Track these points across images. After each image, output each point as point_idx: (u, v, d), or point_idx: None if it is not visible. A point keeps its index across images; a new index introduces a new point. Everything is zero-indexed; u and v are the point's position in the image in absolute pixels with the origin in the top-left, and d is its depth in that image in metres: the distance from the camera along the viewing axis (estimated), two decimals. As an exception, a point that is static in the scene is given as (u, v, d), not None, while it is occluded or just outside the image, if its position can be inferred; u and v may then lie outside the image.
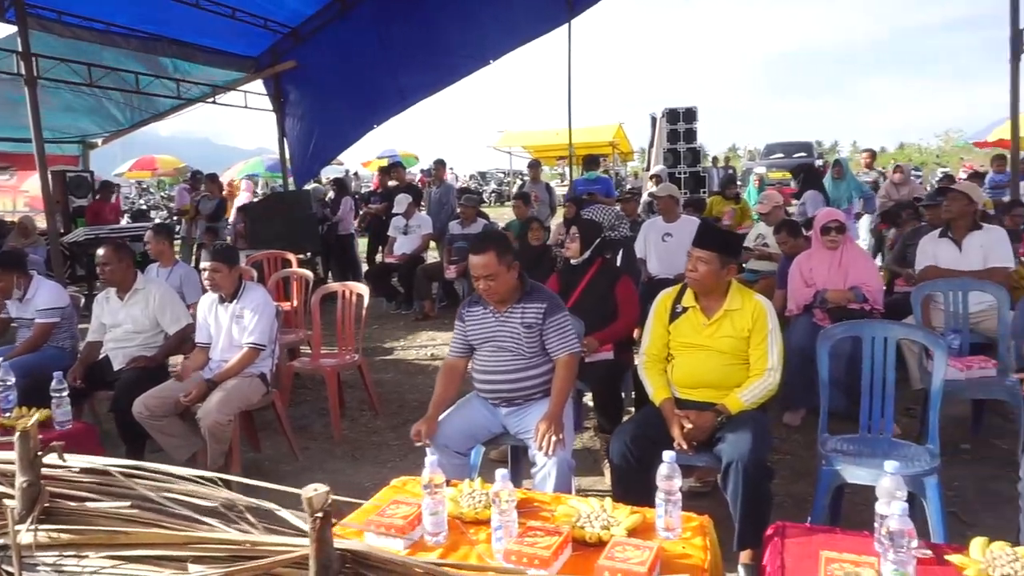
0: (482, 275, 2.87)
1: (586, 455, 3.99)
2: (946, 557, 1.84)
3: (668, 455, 2.04)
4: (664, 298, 3.03)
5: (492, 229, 7.24)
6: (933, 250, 4.56)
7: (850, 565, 1.76)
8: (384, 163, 19.77)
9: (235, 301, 3.83)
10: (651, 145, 17.12)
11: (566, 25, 7.77)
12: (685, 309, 2.93)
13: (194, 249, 9.44)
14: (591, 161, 8.67)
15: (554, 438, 2.63)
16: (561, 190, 15.21)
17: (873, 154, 11.61)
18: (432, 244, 8.56)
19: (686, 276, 2.92)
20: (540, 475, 2.69)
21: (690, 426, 2.66)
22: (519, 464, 3.29)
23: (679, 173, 12.43)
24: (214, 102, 9.14)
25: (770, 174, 19.36)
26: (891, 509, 1.72)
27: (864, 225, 8.06)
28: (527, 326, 2.91)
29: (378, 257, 8.88)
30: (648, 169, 15.79)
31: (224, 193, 10.12)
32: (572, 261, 4.08)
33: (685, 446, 2.66)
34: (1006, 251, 4.32)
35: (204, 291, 4.12)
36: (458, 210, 7.85)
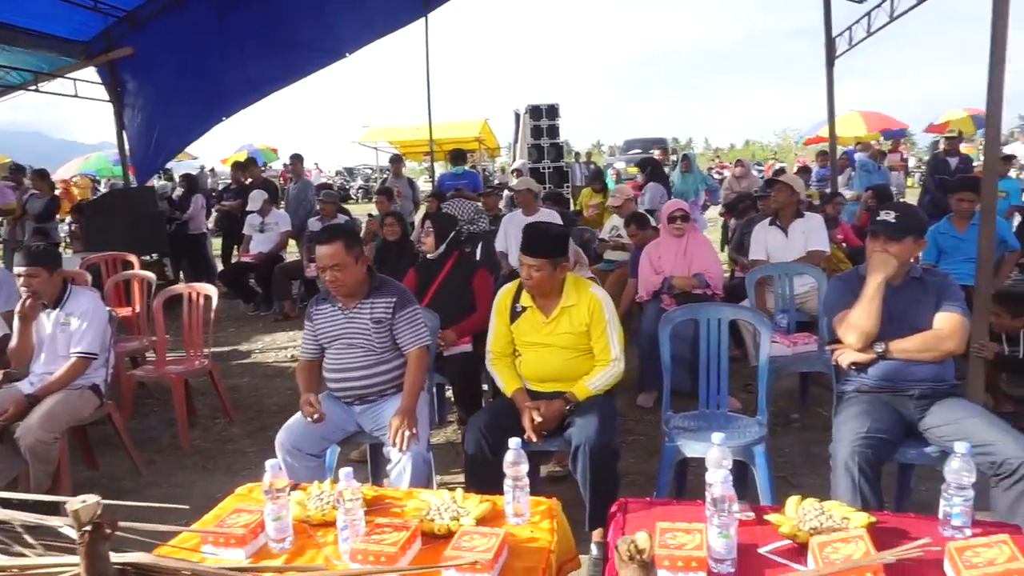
0: (329, 265, 2.80)
1: (449, 449, 4.00)
2: (765, 517, 1.99)
3: (514, 442, 2.07)
4: (503, 296, 3.06)
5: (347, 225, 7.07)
6: (764, 236, 4.97)
7: (681, 532, 1.86)
8: (243, 157, 18.85)
9: (59, 308, 3.49)
10: (516, 140, 17.42)
11: (423, 19, 7.74)
12: (524, 308, 2.98)
13: (20, 252, 8.52)
14: (457, 156, 8.67)
15: (407, 433, 2.61)
16: (429, 186, 15.14)
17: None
18: (292, 242, 8.25)
19: (524, 283, 2.95)
20: (396, 471, 2.66)
21: (539, 418, 2.73)
22: (378, 462, 3.24)
23: (543, 168, 12.72)
24: (37, 90, 8.28)
25: (628, 169, 20.32)
26: (714, 477, 1.85)
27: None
28: (377, 321, 2.86)
29: (234, 256, 8.44)
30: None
31: (57, 191, 9.22)
32: (429, 255, 4.06)
33: (534, 438, 2.72)
34: (822, 237, 4.79)
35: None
36: (317, 207, 7.61)
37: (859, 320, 2.69)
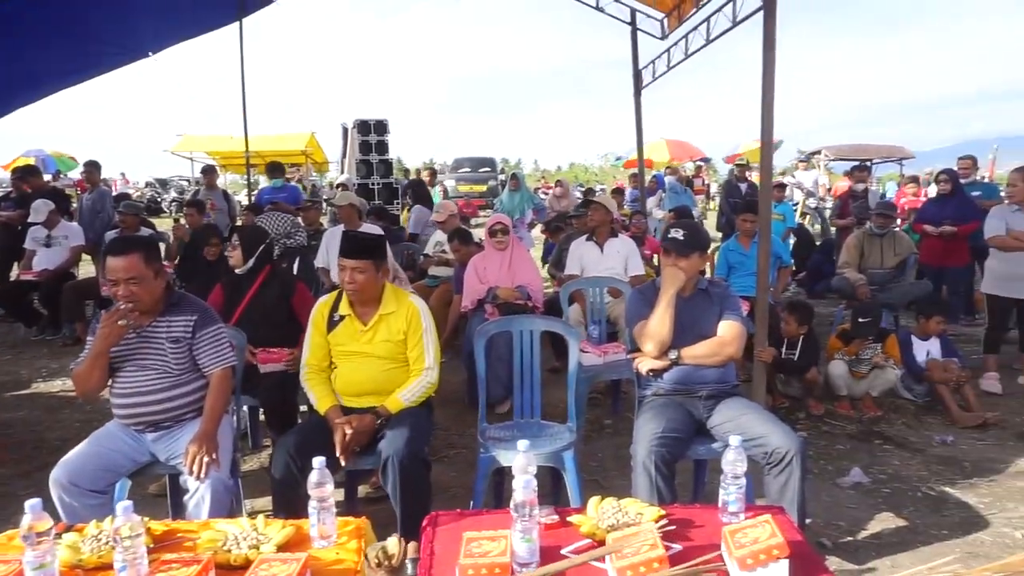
0: (123, 279, 2.55)
1: (263, 475, 3.77)
2: (568, 519, 2.08)
3: (318, 461, 2.00)
4: (321, 307, 3.00)
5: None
6: (580, 251, 5.25)
7: (487, 540, 1.89)
8: (31, 162, 16.73)
9: None
10: (343, 155, 17.05)
11: (238, 24, 7.36)
12: (342, 317, 2.93)
13: None
14: (274, 169, 8.30)
15: (205, 459, 2.43)
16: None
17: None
18: (87, 257, 7.44)
19: (345, 288, 2.91)
20: (193, 501, 2.46)
21: (350, 430, 2.66)
22: (179, 495, 2.98)
23: (372, 184, 12.53)
24: None
25: (459, 187, 20.64)
26: (517, 483, 1.90)
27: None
28: (174, 340, 2.65)
29: (13, 274, 7.45)
30: (343, 179, 15.71)
31: None
32: (237, 270, 3.84)
33: (343, 460, 2.66)
34: (638, 261, 5.17)
35: None
36: (116, 218, 6.93)
37: (655, 329, 2.90)
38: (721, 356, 2.90)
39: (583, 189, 11.57)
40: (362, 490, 3.47)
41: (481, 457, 2.92)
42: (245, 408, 4.06)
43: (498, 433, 3.07)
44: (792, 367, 4.61)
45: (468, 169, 22.36)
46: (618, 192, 10.24)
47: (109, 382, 2.68)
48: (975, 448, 4.09)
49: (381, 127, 13.70)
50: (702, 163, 15.88)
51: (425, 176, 9.59)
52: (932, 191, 6.98)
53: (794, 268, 8.64)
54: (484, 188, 20.66)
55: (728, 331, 2.92)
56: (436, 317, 5.62)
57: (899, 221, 8.96)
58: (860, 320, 4.60)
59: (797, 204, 12.05)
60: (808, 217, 11.51)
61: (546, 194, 19.82)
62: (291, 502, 2.49)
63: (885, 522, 3.23)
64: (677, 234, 3.01)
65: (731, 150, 19.56)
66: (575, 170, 44.46)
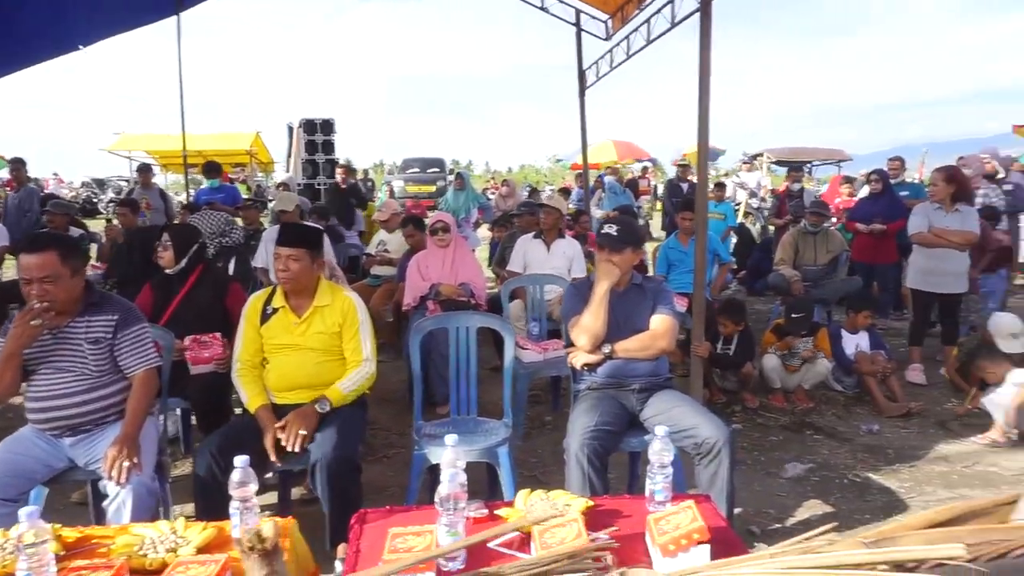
0: (37, 278, 2.45)
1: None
2: (496, 512, 2.08)
3: (240, 460, 1.95)
4: (254, 301, 2.96)
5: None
6: (526, 248, 5.27)
7: (412, 536, 1.88)
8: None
9: None
10: (289, 155, 16.76)
11: (175, 18, 7.18)
12: (276, 310, 2.90)
13: None
14: (211, 169, 8.10)
15: (126, 463, 2.35)
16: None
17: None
18: (14, 259, 7.12)
19: (278, 277, 2.89)
20: (113, 507, 2.38)
21: (304, 431, 2.62)
22: (101, 500, 2.88)
23: (319, 184, 12.35)
24: None
25: (408, 187, 20.52)
26: (442, 477, 1.89)
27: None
28: (93, 341, 2.56)
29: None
30: (290, 180, 15.45)
31: None
32: (168, 271, 3.73)
33: (273, 457, 2.62)
34: (582, 264, 5.23)
35: None
36: (44, 218, 6.66)
37: (589, 324, 2.93)
38: (653, 349, 2.95)
39: (529, 189, 11.64)
40: (297, 492, 3.41)
41: (415, 455, 2.90)
42: (178, 411, 3.95)
43: (433, 431, 3.05)
44: (728, 362, 4.72)
45: (417, 169, 22.23)
46: (564, 192, 10.34)
47: (23, 385, 2.57)
48: (899, 436, 4.25)
49: (327, 126, 13.49)
50: (649, 164, 16.15)
51: (339, 175, 9.29)
52: (865, 192, 7.24)
53: (735, 266, 8.86)
54: (433, 188, 20.56)
55: (660, 325, 2.97)
56: (378, 316, 5.64)
57: (834, 220, 9.27)
58: (793, 315, 4.74)
59: (740, 204, 12.34)
60: (750, 217, 11.80)
61: (495, 193, 19.88)
62: (214, 504, 2.42)
63: (812, 509, 3.33)
64: (611, 230, 3.05)
65: (676, 152, 20.08)
66: (525, 171, 44.71)
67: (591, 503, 2.11)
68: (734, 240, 9.21)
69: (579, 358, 2.99)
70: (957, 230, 4.87)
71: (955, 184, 4.95)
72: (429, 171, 22.04)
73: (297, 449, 2.62)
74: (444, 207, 8.18)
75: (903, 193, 7.14)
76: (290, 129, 16.35)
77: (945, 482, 3.60)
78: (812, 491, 3.53)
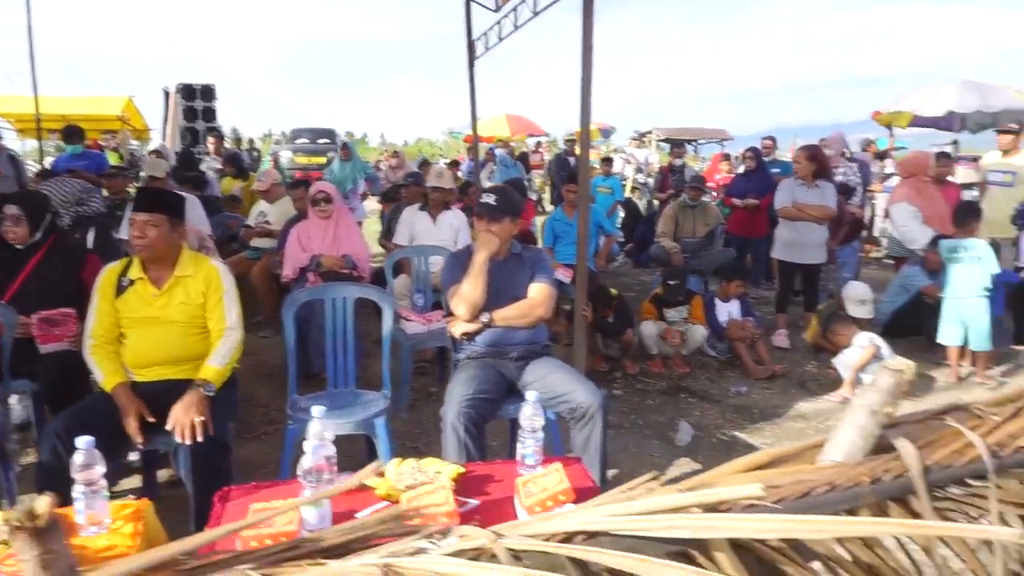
0: None
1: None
2: (364, 482, 2.05)
3: (83, 441, 1.82)
4: (108, 272, 2.75)
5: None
6: (411, 220, 5.19)
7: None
8: None
9: None
10: (165, 121, 15.72)
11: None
12: (132, 282, 2.71)
13: None
14: (71, 133, 7.43)
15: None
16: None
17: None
18: None
19: (134, 244, 2.69)
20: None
21: (147, 416, 2.48)
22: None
23: (200, 153, 11.68)
24: None
25: (296, 158, 19.73)
26: (306, 448, 1.84)
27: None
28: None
29: None
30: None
31: None
32: (17, 245, 3.40)
33: (140, 439, 2.46)
34: (467, 236, 5.19)
35: None
36: None
37: (468, 293, 2.93)
38: (531, 317, 2.98)
39: (420, 161, 11.52)
40: (165, 473, 3.24)
41: (288, 429, 2.82)
42: (28, 393, 3.64)
43: (308, 404, 2.97)
44: (608, 330, 4.86)
45: (306, 140, 21.36)
46: (455, 164, 10.27)
47: None
48: (764, 396, 4.55)
49: (208, 92, 12.75)
50: (542, 139, 16.33)
51: (211, 144, 8.75)
52: (742, 169, 7.63)
53: (622, 238, 9.13)
54: (323, 160, 19.74)
55: (538, 293, 3.00)
56: (259, 291, 5.41)
57: (714, 194, 9.71)
58: (669, 283, 4.94)
59: (628, 179, 12.70)
60: (637, 192, 12.18)
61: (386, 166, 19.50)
62: (58, 489, 2.24)
63: (682, 467, 3.51)
64: (489, 199, 3.05)
65: (568, 128, 20.49)
66: (420, 144, 44.09)
67: (462, 469, 2.11)
68: (622, 214, 9.48)
69: (458, 327, 2.98)
70: (817, 204, 5.21)
71: (816, 162, 5.29)
72: (319, 142, 21.19)
73: (200, 437, 2.45)
74: (329, 178, 7.93)
75: (775, 171, 7.56)
76: (166, 94, 15.29)
77: (802, 437, 3.88)
78: (684, 450, 3.71)
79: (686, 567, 0.66)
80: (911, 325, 5.28)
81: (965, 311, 4.64)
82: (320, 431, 2.00)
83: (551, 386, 2.83)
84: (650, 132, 18.17)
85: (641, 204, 10.68)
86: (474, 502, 2.00)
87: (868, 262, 8.55)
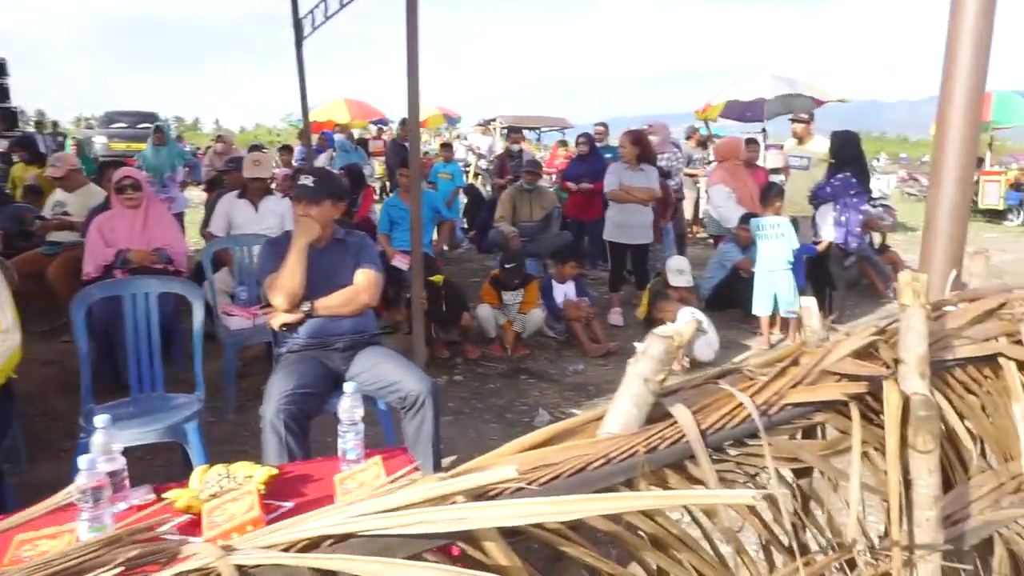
0: None
1: None
2: (164, 495, 1.85)
3: None
4: None
5: None
6: (229, 209, 4.84)
7: (45, 540, 1.59)
8: None
9: None
10: (-55, 100, 13.72)
11: None
12: None
13: None
14: None
15: None
16: None
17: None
18: None
19: None
20: None
21: None
22: None
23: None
24: None
25: (112, 144, 17.93)
26: (80, 464, 1.62)
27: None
28: None
29: None
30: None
31: None
32: None
33: None
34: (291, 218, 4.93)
35: None
36: None
37: (285, 282, 2.74)
38: (355, 304, 2.85)
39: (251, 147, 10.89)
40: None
41: (80, 443, 2.51)
42: None
43: (107, 413, 2.65)
44: (442, 318, 4.81)
45: (124, 125, 19.49)
46: (287, 150, 9.78)
47: None
48: (599, 373, 4.70)
49: (-1, 67, 11.27)
50: (383, 125, 15.97)
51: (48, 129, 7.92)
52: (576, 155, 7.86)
53: (466, 225, 9.12)
54: (144, 146, 18.21)
55: (363, 279, 2.88)
56: (59, 291, 4.82)
57: (553, 179, 9.95)
58: (506, 267, 4.97)
59: (470, 166, 12.73)
60: (480, 178, 12.24)
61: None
62: None
63: (520, 448, 3.53)
64: (307, 181, 2.88)
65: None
66: (259, 131, 41.73)
67: (275, 471, 1.97)
68: (464, 200, 9.47)
69: (277, 319, 2.80)
70: (642, 187, 5.46)
71: (640, 146, 5.53)
72: (140, 127, 19.40)
73: None
74: (142, 164, 7.23)
75: (608, 156, 7.85)
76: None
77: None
78: (522, 431, 3.71)
79: (437, 566, 0.60)
80: (730, 298, 5.70)
81: (773, 283, 5.06)
82: (105, 443, 1.79)
83: (379, 376, 2.74)
84: (494, 120, 18.46)
85: (484, 191, 10.74)
86: (288, 505, 1.87)
87: (695, 242, 9.16)
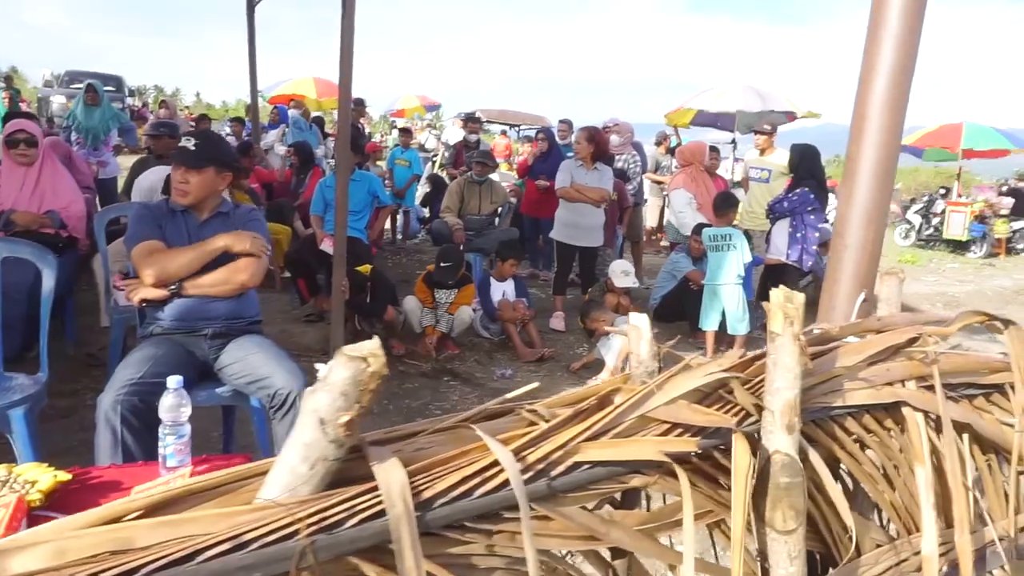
0: None
1: None
2: (-88, 501, 1.51)
3: None
4: None
5: None
6: (151, 180, 4.48)
7: None
8: None
9: None
10: None
11: None
12: None
13: None
14: None
15: None
16: None
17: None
18: None
19: None
20: None
21: None
22: None
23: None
24: None
25: (70, 104, 17.21)
26: None
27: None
28: None
29: None
30: None
31: None
32: None
33: None
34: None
35: None
36: None
37: (170, 266, 2.46)
38: (231, 285, 2.52)
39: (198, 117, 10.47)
40: None
41: None
42: None
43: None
44: (366, 308, 4.49)
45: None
46: (238, 122, 9.38)
47: None
48: (528, 379, 4.33)
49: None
50: (355, 105, 15.59)
51: None
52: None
53: (427, 215, 8.78)
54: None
55: (243, 257, 2.55)
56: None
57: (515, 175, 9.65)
58: (442, 265, 4.66)
59: (437, 156, 12.41)
60: (446, 169, 11.92)
61: (191, 125, 17.67)
62: None
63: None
64: (188, 144, 2.55)
65: (394, 98, 19.85)
66: (240, 105, 40.82)
67: (67, 477, 1.64)
68: (427, 189, 9.14)
69: (138, 292, 2.46)
70: (594, 187, 5.19)
71: (595, 144, 5.26)
72: (106, 88, 18.78)
73: None
74: (71, 124, 6.78)
75: (569, 154, 7.58)
76: None
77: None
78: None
79: None
80: (678, 311, 5.45)
81: (722, 297, 4.82)
82: None
83: (250, 369, 2.42)
84: (474, 112, 18.28)
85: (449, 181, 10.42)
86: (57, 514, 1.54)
87: (659, 250, 8.94)
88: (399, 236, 8.57)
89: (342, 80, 3.99)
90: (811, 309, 3.95)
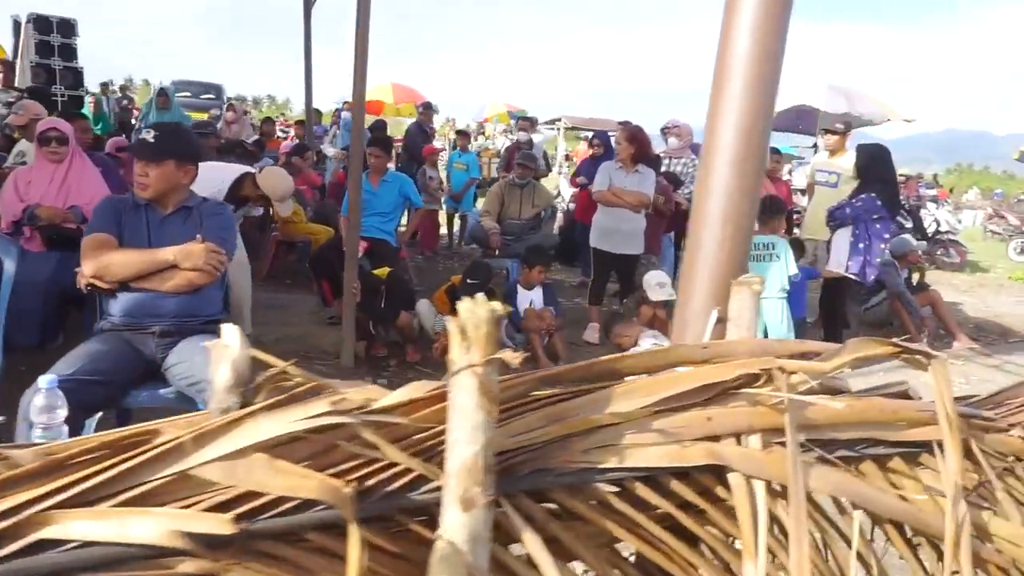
0: None
1: None
2: None
3: None
4: None
5: None
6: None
7: None
8: None
9: None
10: (16, 56, 14.23)
11: None
12: None
13: None
14: None
15: None
16: None
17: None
18: None
19: None
20: None
21: None
22: None
23: (58, 94, 10.48)
24: None
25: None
26: None
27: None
28: None
29: None
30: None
31: None
32: None
33: None
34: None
35: None
36: None
37: (114, 266, 2.40)
38: (180, 281, 2.42)
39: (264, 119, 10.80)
40: None
41: None
42: None
43: None
44: (378, 313, 4.34)
45: (188, 94, 19.94)
46: (302, 124, 9.60)
47: None
48: (544, 393, 4.13)
49: (67, 27, 11.50)
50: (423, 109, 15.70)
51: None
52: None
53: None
54: (206, 116, 18.55)
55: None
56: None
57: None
58: (468, 280, 4.44)
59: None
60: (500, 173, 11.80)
61: (285, 131, 18.36)
62: None
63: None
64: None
65: (479, 109, 19.96)
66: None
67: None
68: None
69: (83, 279, 2.40)
70: (632, 190, 4.85)
71: (636, 144, 4.92)
72: (203, 97, 19.95)
73: None
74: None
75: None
76: (16, 24, 13.83)
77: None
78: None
79: None
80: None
81: (763, 312, 4.38)
82: None
83: (194, 369, 2.30)
84: (559, 119, 18.41)
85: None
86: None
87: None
88: (455, 241, 8.46)
89: (356, 81, 3.98)
90: (882, 330, 3.43)
